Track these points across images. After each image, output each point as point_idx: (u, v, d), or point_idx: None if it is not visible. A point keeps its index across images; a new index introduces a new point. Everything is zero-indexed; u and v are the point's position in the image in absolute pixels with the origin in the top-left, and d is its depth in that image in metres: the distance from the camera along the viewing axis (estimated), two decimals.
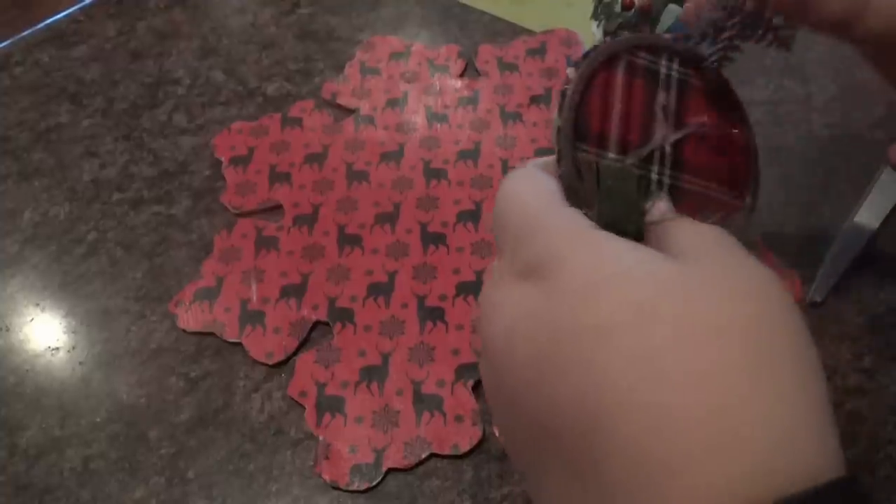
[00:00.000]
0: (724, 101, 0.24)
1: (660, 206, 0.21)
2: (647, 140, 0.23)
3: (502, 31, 0.51)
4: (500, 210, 0.21)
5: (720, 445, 0.14)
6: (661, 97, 0.23)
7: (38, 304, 0.38)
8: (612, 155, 0.23)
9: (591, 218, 0.21)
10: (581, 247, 0.18)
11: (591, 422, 0.15)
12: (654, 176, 0.23)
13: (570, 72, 0.23)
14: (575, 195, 0.21)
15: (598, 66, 0.23)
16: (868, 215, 0.38)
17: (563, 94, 0.23)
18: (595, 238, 0.18)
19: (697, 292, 0.16)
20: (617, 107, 0.23)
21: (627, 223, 0.21)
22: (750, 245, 0.19)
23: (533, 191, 0.21)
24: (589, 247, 0.18)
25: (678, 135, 0.23)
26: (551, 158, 0.23)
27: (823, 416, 0.15)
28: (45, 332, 0.37)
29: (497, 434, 0.31)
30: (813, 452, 0.14)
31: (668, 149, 0.23)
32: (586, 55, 0.23)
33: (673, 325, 0.15)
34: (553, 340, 0.17)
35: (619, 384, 0.15)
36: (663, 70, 0.24)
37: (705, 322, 0.15)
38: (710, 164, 0.24)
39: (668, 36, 0.24)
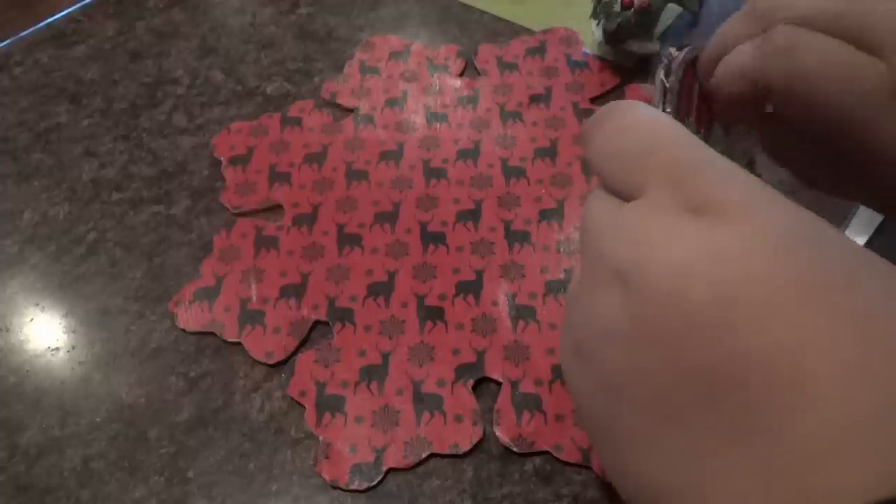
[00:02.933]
0: None
1: None
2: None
3: (502, 30, 0.51)
4: (643, 138, 0.20)
5: None
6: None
7: (37, 305, 0.38)
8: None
9: None
10: (765, 193, 0.17)
11: (783, 376, 0.14)
12: None
13: (674, 50, 0.25)
14: None
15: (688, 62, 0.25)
16: (867, 215, 0.38)
17: (667, 65, 0.25)
18: (766, 188, 0.18)
19: (881, 265, 0.16)
20: (691, 107, 0.25)
21: None
22: None
23: (673, 125, 0.20)
24: (773, 194, 0.17)
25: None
26: None
27: None
28: (45, 332, 0.37)
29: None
30: None
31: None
32: (681, 47, 0.26)
33: (880, 292, 0.15)
34: (747, 285, 0.16)
35: (827, 342, 0.14)
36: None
37: None
38: None
39: None
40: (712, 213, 0.17)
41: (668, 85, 0.24)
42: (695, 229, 0.17)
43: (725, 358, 0.15)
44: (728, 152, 0.23)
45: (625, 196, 0.20)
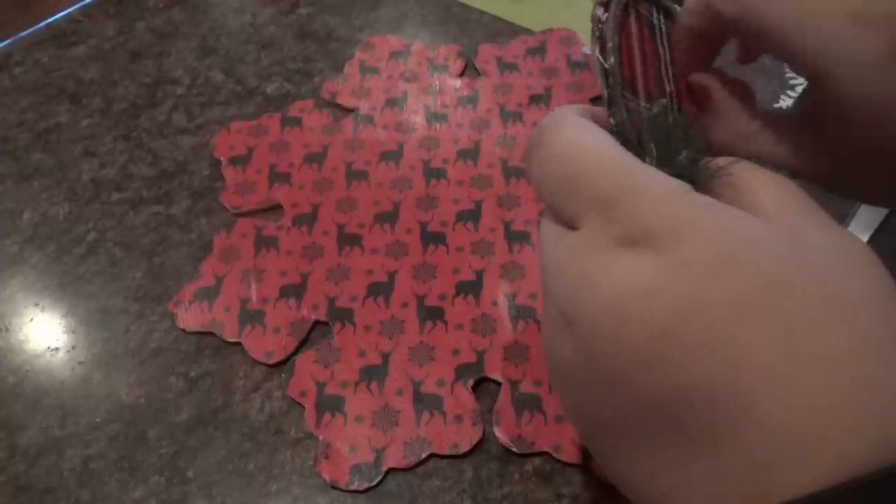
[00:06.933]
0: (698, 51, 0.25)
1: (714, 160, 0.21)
2: (660, 91, 0.23)
3: (502, 30, 0.51)
4: (573, 167, 0.19)
5: (867, 418, 0.14)
6: (659, 49, 0.23)
7: (37, 304, 0.38)
8: (643, 104, 0.22)
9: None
10: (694, 214, 0.17)
11: (723, 399, 0.15)
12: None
13: (600, 11, 0.22)
14: (626, 145, 0.21)
15: (621, 10, 0.22)
16: (867, 215, 0.38)
17: (600, 35, 0.22)
18: (703, 204, 0.18)
19: (820, 264, 0.16)
20: (637, 55, 0.22)
21: (687, 175, 0.20)
22: None
23: (603, 144, 0.20)
24: (702, 214, 0.17)
25: (676, 86, 0.23)
26: (582, 107, 0.22)
27: None
28: (45, 332, 0.37)
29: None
30: None
31: (674, 100, 0.23)
32: None
33: (810, 299, 0.16)
34: (678, 318, 0.16)
35: (758, 360, 0.15)
36: (656, 22, 0.24)
37: (838, 296, 0.16)
38: (693, 114, 0.24)
39: None
40: (641, 244, 0.17)
41: (604, 67, 0.21)
42: (625, 265, 0.17)
43: (668, 390, 0.16)
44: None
45: (565, 224, 0.20)
